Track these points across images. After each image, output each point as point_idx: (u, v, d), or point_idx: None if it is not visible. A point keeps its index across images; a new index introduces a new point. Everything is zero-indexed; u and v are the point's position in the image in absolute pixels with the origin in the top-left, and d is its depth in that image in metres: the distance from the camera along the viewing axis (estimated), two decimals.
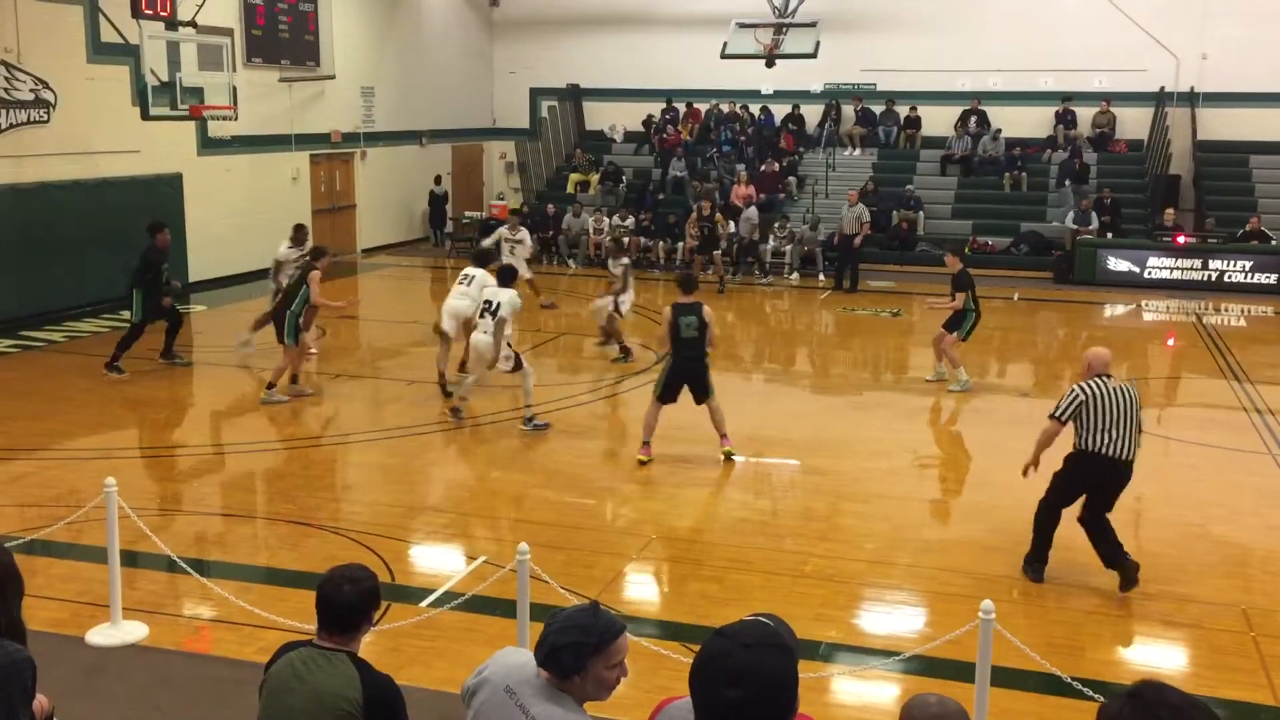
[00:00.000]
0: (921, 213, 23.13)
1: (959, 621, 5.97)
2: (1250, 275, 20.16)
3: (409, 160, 25.40)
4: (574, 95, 27.54)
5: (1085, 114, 24.40)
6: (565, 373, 14.20)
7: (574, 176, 25.80)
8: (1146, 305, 19.14)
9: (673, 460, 10.16)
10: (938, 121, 25.12)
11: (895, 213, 22.97)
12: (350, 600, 3.56)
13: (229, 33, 18.82)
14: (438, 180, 25.70)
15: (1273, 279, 20.02)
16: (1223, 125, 23.12)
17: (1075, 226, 21.70)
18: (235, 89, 18.13)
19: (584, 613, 3.03)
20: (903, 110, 25.40)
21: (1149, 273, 20.57)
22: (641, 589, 7.69)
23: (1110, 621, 7.11)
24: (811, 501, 9.30)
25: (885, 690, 6.22)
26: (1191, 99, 23.31)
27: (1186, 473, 10.18)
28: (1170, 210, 21.37)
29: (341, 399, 12.63)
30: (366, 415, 12.00)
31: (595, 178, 25.48)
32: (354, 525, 8.49)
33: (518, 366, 11.14)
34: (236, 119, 18.33)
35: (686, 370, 10.07)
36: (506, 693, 3.08)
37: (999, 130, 24.39)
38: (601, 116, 27.53)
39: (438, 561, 8.09)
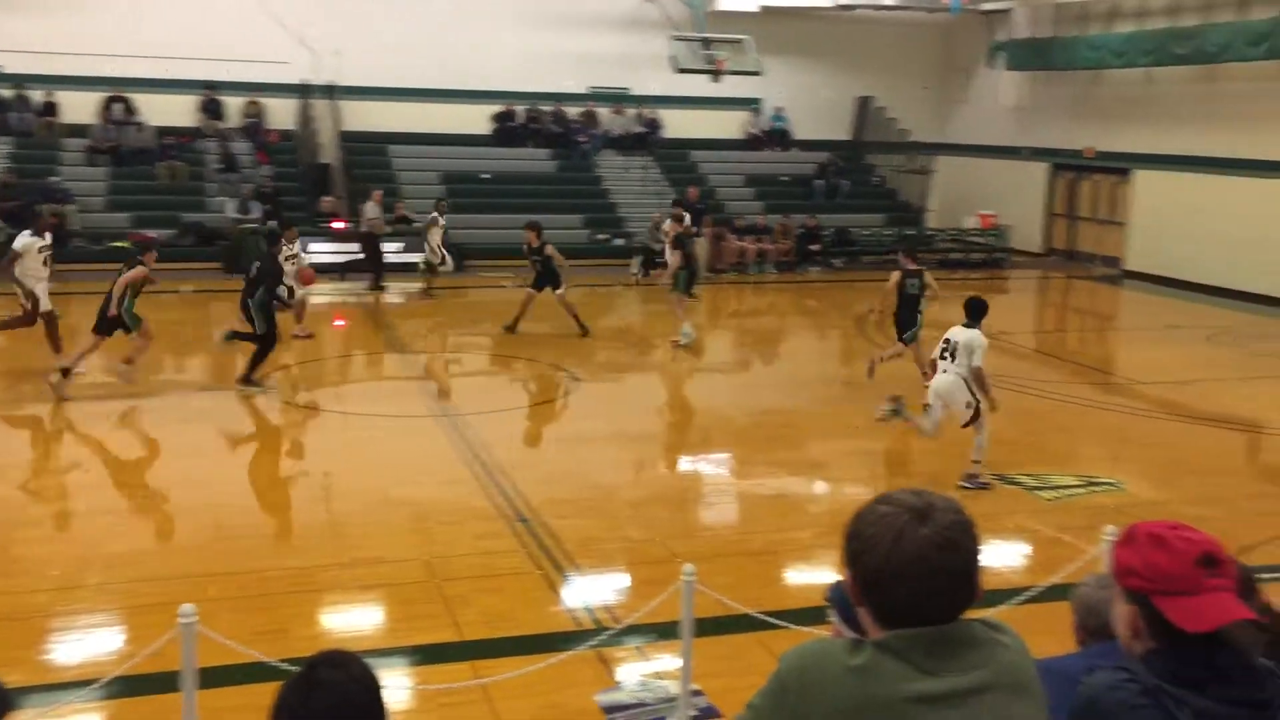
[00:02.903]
0: (74, 205, 21.52)
1: (160, 631, 5.75)
2: (401, 255, 21.92)
3: None
4: None
5: (237, 104, 24.62)
6: None
7: None
8: (322, 290, 19.79)
9: None
10: (80, 109, 23.49)
11: (43, 207, 21.03)
12: None
13: None
14: None
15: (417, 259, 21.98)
16: (363, 117, 24.84)
17: (238, 215, 21.85)
18: None
19: None
20: (38, 95, 23.34)
21: (314, 258, 21.33)
22: None
23: (311, 596, 7.36)
24: None
25: None
26: (331, 92, 24.70)
27: (367, 443, 10.89)
28: (327, 198, 22.52)
29: None
30: None
31: None
32: None
33: None
34: None
35: None
36: None
37: (141, 124, 23.51)
38: None
39: None
